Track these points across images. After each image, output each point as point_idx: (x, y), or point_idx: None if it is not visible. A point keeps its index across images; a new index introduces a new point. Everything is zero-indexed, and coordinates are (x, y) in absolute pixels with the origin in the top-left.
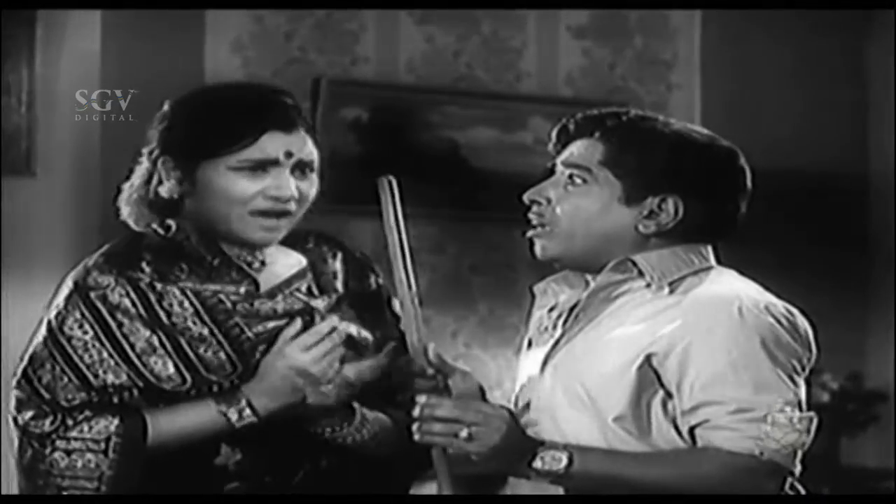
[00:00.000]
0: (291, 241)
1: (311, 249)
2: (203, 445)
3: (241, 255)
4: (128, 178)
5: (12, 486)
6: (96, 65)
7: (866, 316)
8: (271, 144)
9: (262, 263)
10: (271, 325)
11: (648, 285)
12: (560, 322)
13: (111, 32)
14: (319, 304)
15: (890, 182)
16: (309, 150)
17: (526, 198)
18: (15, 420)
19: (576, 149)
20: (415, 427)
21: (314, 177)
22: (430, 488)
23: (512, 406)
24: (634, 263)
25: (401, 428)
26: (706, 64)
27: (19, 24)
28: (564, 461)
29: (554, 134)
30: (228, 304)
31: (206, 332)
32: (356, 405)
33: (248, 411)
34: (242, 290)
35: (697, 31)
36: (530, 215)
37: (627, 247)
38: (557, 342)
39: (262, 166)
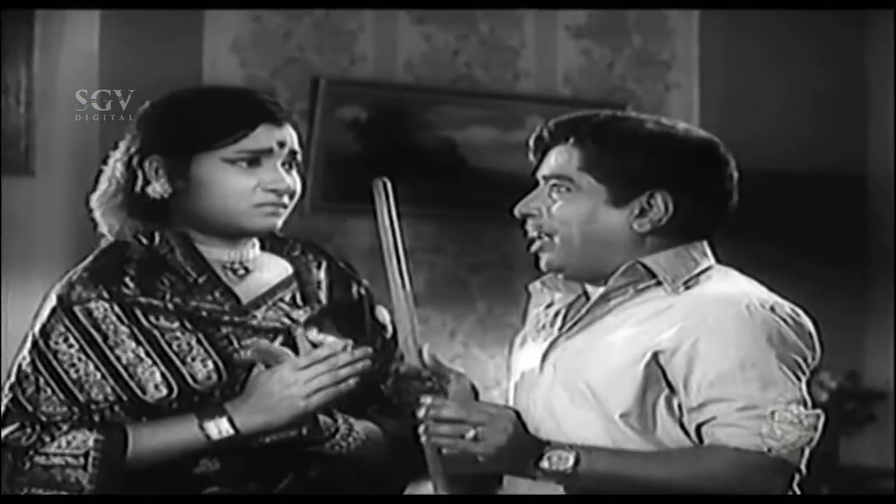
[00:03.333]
0: (279, 248)
1: (298, 257)
2: (183, 459)
3: (229, 261)
4: (94, 187)
5: None
6: (95, 64)
7: (864, 315)
8: (265, 135)
9: (247, 270)
10: (258, 339)
11: (659, 284)
12: (559, 320)
13: (110, 32)
14: (301, 315)
15: (889, 182)
16: (297, 141)
17: (518, 212)
18: None
19: (553, 159)
20: (420, 429)
21: (297, 173)
22: (427, 488)
23: (507, 403)
24: (646, 268)
25: (389, 435)
26: (704, 64)
27: (18, 23)
28: (571, 461)
29: (532, 144)
30: (215, 317)
31: (193, 341)
32: (340, 415)
33: (227, 426)
34: (227, 306)
35: (695, 31)
36: (528, 228)
37: (627, 248)
38: (556, 340)
39: (256, 158)
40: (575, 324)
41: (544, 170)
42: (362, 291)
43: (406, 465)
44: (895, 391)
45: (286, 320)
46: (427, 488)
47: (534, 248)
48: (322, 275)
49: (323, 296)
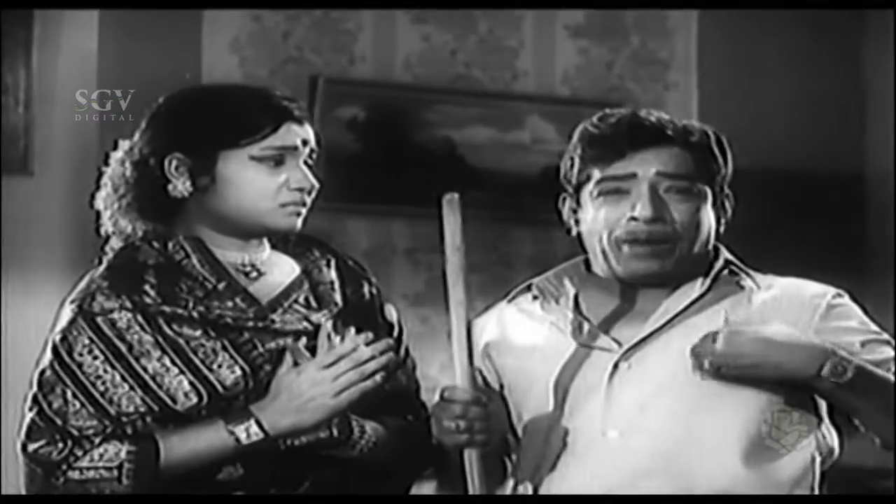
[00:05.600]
0: (283, 246)
1: (303, 254)
2: (211, 465)
3: (242, 264)
4: (97, 188)
5: (12, 486)
6: (93, 64)
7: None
8: (289, 133)
9: (259, 273)
10: (282, 342)
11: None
12: (587, 317)
13: (108, 32)
14: (319, 318)
15: (888, 182)
16: (315, 140)
17: (651, 217)
18: (24, 447)
19: (667, 158)
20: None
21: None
22: (429, 488)
23: (554, 390)
24: (735, 269)
25: (392, 434)
26: (703, 63)
27: (17, 22)
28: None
29: (609, 140)
30: (239, 323)
31: (218, 347)
32: (352, 418)
33: (255, 429)
34: (250, 311)
35: (694, 31)
36: (644, 235)
37: (708, 248)
38: (639, 343)
39: (282, 156)
40: (657, 322)
41: (657, 167)
42: (373, 291)
43: (411, 465)
44: (895, 390)
45: (306, 323)
46: (430, 489)
47: (643, 251)
48: (333, 274)
49: (337, 297)
